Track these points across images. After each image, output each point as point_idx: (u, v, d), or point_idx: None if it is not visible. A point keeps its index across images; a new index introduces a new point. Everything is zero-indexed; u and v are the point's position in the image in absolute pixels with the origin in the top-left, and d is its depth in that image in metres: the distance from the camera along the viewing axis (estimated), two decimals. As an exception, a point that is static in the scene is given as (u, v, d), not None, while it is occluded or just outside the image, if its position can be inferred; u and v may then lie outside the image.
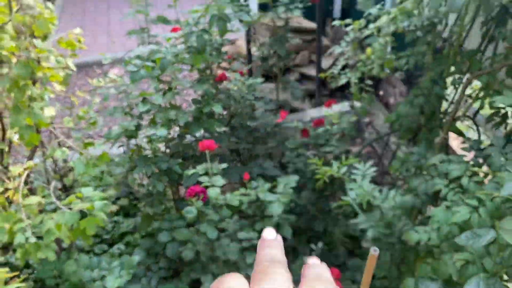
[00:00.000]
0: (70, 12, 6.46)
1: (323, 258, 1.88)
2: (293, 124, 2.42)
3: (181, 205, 2.41)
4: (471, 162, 1.44)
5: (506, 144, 1.36)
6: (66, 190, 2.22)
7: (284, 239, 2.15)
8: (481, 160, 1.58)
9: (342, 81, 2.09)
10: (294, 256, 2.37)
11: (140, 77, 1.83)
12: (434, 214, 1.34)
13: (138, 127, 2.14)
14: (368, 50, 2.02)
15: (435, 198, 1.70)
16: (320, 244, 2.21)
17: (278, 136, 2.94)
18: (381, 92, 4.23)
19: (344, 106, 3.36)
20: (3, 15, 1.55)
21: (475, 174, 1.34)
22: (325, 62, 3.98)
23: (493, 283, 0.97)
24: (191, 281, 2.16)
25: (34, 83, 1.78)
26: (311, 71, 3.86)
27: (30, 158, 2.06)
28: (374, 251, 0.76)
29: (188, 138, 2.53)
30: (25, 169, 1.84)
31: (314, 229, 2.42)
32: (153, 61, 1.89)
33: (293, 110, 3.76)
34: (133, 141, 2.31)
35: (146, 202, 2.32)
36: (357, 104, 2.63)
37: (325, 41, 4.04)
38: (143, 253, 2.24)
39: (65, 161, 2.18)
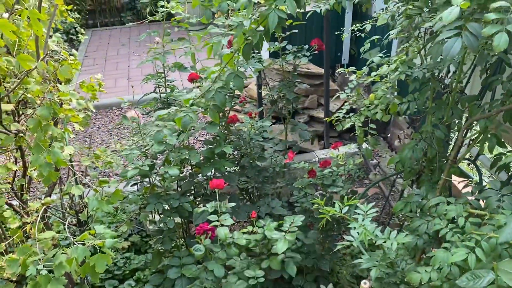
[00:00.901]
0: (93, 57, 6.79)
1: None
2: (300, 165, 2.50)
3: (191, 243, 2.47)
4: (469, 204, 1.49)
5: (502, 187, 1.41)
6: (81, 225, 2.30)
7: (290, 278, 2.19)
8: (481, 202, 1.63)
9: (347, 125, 2.18)
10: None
11: (162, 136, 1.94)
12: (434, 254, 1.38)
13: (152, 166, 2.24)
14: (371, 96, 2.12)
15: (438, 238, 1.73)
16: (330, 286, 2.22)
17: (286, 176, 3.02)
18: (388, 135, 4.31)
19: (351, 148, 3.44)
20: (30, 61, 1.69)
21: (472, 215, 1.39)
22: (333, 105, 4.10)
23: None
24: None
25: (55, 123, 1.90)
26: (320, 114, 3.98)
27: (48, 194, 2.17)
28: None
29: (199, 177, 2.62)
30: (42, 204, 1.94)
31: (321, 268, 2.44)
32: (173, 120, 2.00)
33: (301, 152, 3.85)
34: (146, 179, 2.41)
35: (157, 239, 2.38)
36: (364, 146, 2.72)
37: (333, 85, 4.18)
38: (153, 290, 2.28)
39: (81, 197, 2.27)
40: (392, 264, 1.75)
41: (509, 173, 1.88)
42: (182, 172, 2.56)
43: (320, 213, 2.05)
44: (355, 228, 1.56)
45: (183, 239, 2.54)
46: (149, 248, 3.02)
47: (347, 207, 1.59)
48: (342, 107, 2.41)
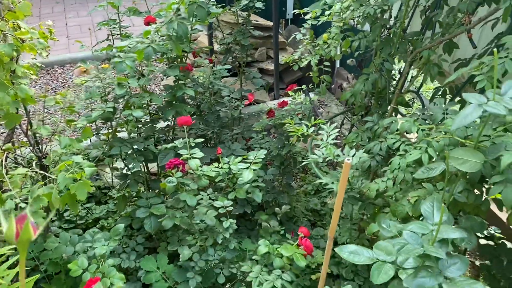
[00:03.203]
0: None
1: (289, 229, 2.11)
2: (258, 108, 2.62)
3: (155, 186, 2.53)
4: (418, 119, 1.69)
5: (446, 102, 1.62)
6: (45, 171, 2.28)
7: (252, 214, 2.35)
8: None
9: (304, 63, 2.31)
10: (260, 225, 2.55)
11: (124, 68, 1.94)
12: (391, 162, 1.57)
13: (115, 110, 2.25)
14: (325, 35, 2.26)
15: (389, 159, 1.94)
16: (284, 207, 2.40)
17: (242, 124, 3.13)
18: (332, 86, 4.54)
19: (300, 98, 3.61)
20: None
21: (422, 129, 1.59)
22: (282, 57, 4.23)
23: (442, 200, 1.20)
24: (169, 255, 2.28)
25: (16, 62, 1.86)
26: (269, 66, 4.09)
27: (8, 140, 2.12)
28: (348, 160, 0.96)
29: (159, 125, 2.67)
30: (3, 150, 1.90)
31: (280, 202, 2.62)
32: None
33: (254, 103, 3.97)
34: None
35: (122, 183, 2.42)
36: (312, 95, 2.89)
37: (281, 38, 4.29)
38: (123, 231, 2.33)
39: (37, 143, 2.23)
40: (350, 182, 1.94)
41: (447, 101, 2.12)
42: (142, 120, 2.59)
43: (279, 153, 2.20)
44: (319, 146, 1.71)
45: (146, 183, 2.58)
46: (109, 199, 3.03)
47: (312, 128, 1.74)
48: (296, 50, 2.53)
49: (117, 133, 2.39)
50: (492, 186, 1.19)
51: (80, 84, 2.17)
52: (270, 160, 2.66)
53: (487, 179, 1.35)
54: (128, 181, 2.41)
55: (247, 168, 2.05)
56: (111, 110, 2.14)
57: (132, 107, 2.26)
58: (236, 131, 3.01)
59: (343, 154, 1.79)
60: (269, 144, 2.60)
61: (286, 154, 2.61)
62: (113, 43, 2.61)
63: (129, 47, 1.89)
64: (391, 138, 1.65)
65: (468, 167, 1.17)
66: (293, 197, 2.97)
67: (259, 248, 1.86)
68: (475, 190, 1.41)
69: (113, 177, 2.83)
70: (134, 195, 2.72)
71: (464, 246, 1.28)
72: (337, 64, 4.67)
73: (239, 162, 2.11)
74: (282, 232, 2.32)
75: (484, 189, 1.43)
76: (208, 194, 2.22)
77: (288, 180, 2.73)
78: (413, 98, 2.67)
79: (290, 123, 1.79)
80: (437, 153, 1.37)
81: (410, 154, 1.44)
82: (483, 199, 1.42)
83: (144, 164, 2.52)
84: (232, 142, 2.79)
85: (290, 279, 1.82)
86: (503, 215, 2.76)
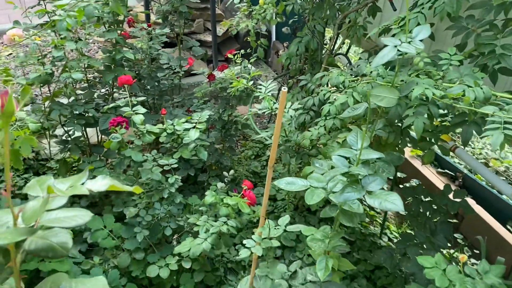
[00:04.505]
0: None
1: (232, 185, 2.23)
2: (199, 72, 2.69)
3: (97, 150, 2.54)
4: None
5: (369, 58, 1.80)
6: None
7: (196, 176, 2.45)
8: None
9: (241, 26, 2.41)
10: (207, 185, 2.66)
11: (65, 26, 1.92)
12: (322, 109, 1.73)
13: (52, 73, 2.22)
14: (261, 0, 2.37)
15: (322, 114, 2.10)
16: (231, 172, 2.52)
17: (183, 92, 3.19)
18: (269, 59, 4.69)
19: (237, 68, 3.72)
20: None
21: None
22: (219, 30, 4.29)
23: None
24: (115, 218, 2.32)
25: None
26: (207, 38, 4.15)
27: None
28: (284, 89, 1.09)
29: (99, 87, 2.66)
30: None
31: (223, 164, 2.73)
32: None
33: (192, 74, 4.02)
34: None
35: (62, 148, 2.40)
36: (249, 66, 3.01)
37: (217, 10, 4.34)
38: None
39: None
40: (287, 135, 2.10)
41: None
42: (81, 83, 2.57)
43: (220, 116, 2.30)
44: (258, 98, 1.83)
45: (88, 148, 2.58)
46: (47, 170, 2.98)
47: (252, 81, 1.86)
48: (230, 28, 2.63)
49: (55, 100, 2.36)
50: (405, 120, 1.38)
51: (9, 54, 2.12)
52: (211, 124, 2.75)
53: (403, 121, 1.55)
54: (69, 146, 2.40)
55: (193, 127, 2.13)
56: (49, 71, 2.12)
57: (70, 70, 2.24)
58: (177, 99, 3.06)
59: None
60: (211, 109, 2.69)
61: (227, 118, 2.72)
62: (45, 7, 2.54)
63: (69, 5, 1.88)
64: (322, 91, 1.82)
65: (386, 103, 1.35)
66: (235, 161, 3.10)
67: (206, 197, 1.96)
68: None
69: (52, 149, 2.77)
70: (75, 163, 2.71)
71: (385, 176, 1.47)
72: (273, 38, 4.82)
73: (183, 122, 2.18)
74: (227, 191, 2.44)
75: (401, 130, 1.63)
76: (153, 155, 2.28)
77: (230, 144, 2.84)
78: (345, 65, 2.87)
79: (231, 75, 1.89)
80: (361, 96, 1.55)
81: (338, 98, 1.60)
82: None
83: (84, 130, 2.51)
84: (174, 108, 2.84)
85: (235, 225, 1.95)
86: (425, 171, 3.08)
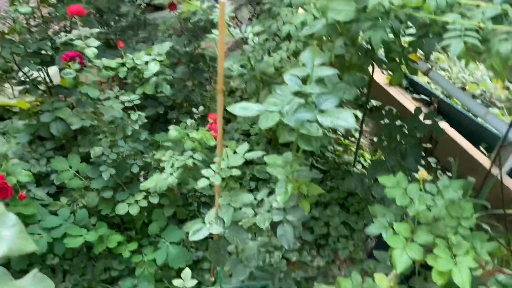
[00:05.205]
0: None
1: (203, 122, 2.11)
2: (164, 14, 2.53)
3: (59, 91, 2.43)
4: None
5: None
6: None
7: (165, 114, 2.37)
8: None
9: None
10: (177, 123, 2.60)
11: None
12: (282, 30, 1.63)
13: None
14: None
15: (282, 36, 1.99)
16: (201, 108, 2.44)
17: (149, 27, 3.02)
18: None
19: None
20: None
21: None
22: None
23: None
24: (81, 159, 2.26)
25: None
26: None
27: None
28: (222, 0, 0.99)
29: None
30: None
31: (193, 100, 2.65)
32: None
33: (158, 9, 3.82)
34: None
35: (22, 89, 2.29)
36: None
37: None
38: (27, 137, 2.26)
39: None
40: (251, 64, 2.00)
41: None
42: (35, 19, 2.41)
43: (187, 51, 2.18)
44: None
45: (48, 89, 2.47)
46: (14, 115, 2.87)
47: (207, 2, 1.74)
48: None
49: (5, 37, 2.21)
50: (364, 33, 1.29)
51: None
52: (178, 59, 2.63)
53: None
54: (27, 87, 2.29)
55: (153, 60, 2.02)
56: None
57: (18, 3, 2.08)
58: (142, 35, 2.90)
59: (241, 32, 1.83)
60: (175, 42, 2.56)
61: (194, 51, 2.60)
62: None
63: None
64: (284, 11, 1.70)
65: (343, 16, 1.25)
66: (206, 98, 3.01)
67: (170, 132, 1.90)
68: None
69: (16, 93, 2.65)
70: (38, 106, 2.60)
71: (346, 97, 1.41)
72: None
73: (143, 55, 2.07)
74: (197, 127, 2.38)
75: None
76: (115, 92, 2.19)
77: (200, 79, 2.74)
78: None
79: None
80: (320, 12, 1.44)
81: (296, 17, 1.50)
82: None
83: (43, 69, 2.38)
84: (137, 43, 2.70)
85: (201, 158, 1.90)
86: (401, 98, 3.03)
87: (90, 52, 1.81)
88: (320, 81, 1.18)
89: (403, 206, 1.29)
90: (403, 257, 1.21)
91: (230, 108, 1.26)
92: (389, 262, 1.59)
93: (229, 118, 2.94)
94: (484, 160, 2.51)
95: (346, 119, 1.06)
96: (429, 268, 1.23)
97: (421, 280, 1.41)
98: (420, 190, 1.30)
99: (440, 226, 1.27)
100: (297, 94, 1.16)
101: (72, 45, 2.10)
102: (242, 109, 1.26)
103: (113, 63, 1.95)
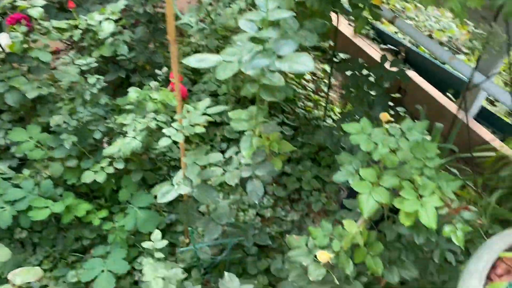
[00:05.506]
0: None
1: (167, 84, 2.02)
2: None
3: (10, 59, 2.30)
4: None
5: None
6: None
7: (128, 77, 2.26)
8: None
9: None
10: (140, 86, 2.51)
11: None
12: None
13: None
14: None
15: None
16: (165, 69, 2.36)
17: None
18: None
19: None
20: None
21: None
22: None
23: None
24: (42, 129, 2.17)
25: None
26: None
27: None
28: None
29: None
30: None
31: (156, 61, 2.55)
32: None
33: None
34: None
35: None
36: None
37: None
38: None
39: None
40: (212, 20, 1.92)
41: None
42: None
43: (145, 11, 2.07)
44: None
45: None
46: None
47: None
48: None
49: None
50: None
51: None
52: (136, 19, 2.51)
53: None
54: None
55: (106, 19, 1.92)
56: None
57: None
58: (97, -4, 2.75)
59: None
60: (132, 1, 2.43)
61: (153, 10, 2.48)
62: None
63: None
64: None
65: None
66: (169, 59, 2.90)
67: (130, 94, 1.83)
68: None
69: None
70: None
71: (307, 44, 1.36)
72: None
73: (96, 15, 1.96)
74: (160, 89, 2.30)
75: None
76: (70, 56, 2.08)
77: (161, 39, 2.63)
78: None
79: None
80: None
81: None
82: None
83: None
84: (91, 5, 2.56)
85: (165, 119, 1.85)
86: (369, 49, 2.99)
87: (36, 12, 1.70)
88: (276, 24, 1.13)
89: (368, 151, 1.28)
90: (369, 201, 1.20)
91: (185, 61, 1.20)
92: (359, 210, 1.60)
93: (195, 79, 2.86)
94: (451, 106, 2.53)
95: (305, 63, 1.02)
96: (398, 212, 1.23)
97: (390, 224, 1.42)
98: (384, 134, 1.29)
99: (406, 169, 1.27)
100: (254, 40, 1.10)
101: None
102: (198, 61, 1.20)
103: (63, 24, 1.84)
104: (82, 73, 1.98)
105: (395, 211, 1.31)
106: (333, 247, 1.32)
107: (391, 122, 1.36)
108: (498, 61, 2.04)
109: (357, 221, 1.37)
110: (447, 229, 1.23)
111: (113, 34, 2.03)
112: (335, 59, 3.11)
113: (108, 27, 1.86)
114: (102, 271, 1.79)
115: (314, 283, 1.43)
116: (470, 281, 1.20)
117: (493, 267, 1.26)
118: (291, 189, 2.31)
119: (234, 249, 1.97)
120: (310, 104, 2.82)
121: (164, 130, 1.39)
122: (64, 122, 1.92)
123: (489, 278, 1.22)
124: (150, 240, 1.55)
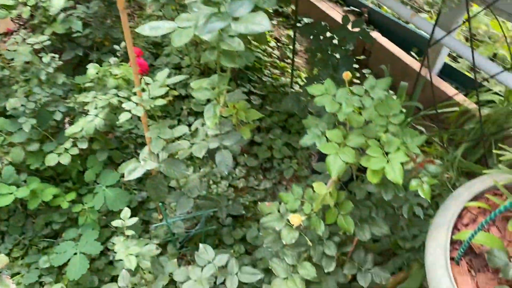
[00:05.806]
0: None
1: (128, 59, 1.89)
2: None
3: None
4: None
5: None
6: None
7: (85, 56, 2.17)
8: None
9: None
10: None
11: None
12: None
13: None
14: None
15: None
16: (123, 44, 2.27)
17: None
18: None
19: None
20: None
21: None
22: None
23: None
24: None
25: None
26: None
27: None
28: None
29: None
30: None
31: (114, 36, 2.46)
32: None
33: None
34: None
35: None
36: None
37: None
38: None
39: None
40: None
41: None
42: None
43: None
44: None
45: None
46: None
47: None
48: None
49: None
50: None
51: None
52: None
53: None
54: None
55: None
56: None
57: None
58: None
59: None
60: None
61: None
62: None
63: None
64: None
65: None
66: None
67: (89, 71, 1.76)
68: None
69: None
70: None
71: (265, 6, 1.32)
72: None
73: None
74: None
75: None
76: (21, 35, 1.97)
77: (118, 13, 2.52)
78: None
79: None
80: None
81: None
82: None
83: None
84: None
85: (127, 95, 1.79)
86: (333, 12, 2.96)
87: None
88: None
89: (334, 112, 1.27)
90: (336, 161, 1.20)
91: (139, 29, 1.14)
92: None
93: (157, 53, 2.78)
94: (416, 64, 2.55)
95: (260, 22, 0.99)
96: (366, 171, 1.24)
97: (359, 183, 1.43)
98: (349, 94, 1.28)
99: (371, 128, 1.27)
100: (208, 3, 1.06)
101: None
102: (152, 28, 1.14)
103: (9, 0, 1.73)
104: (37, 53, 1.88)
105: (363, 170, 1.32)
106: (304, 210, 1.33)
107: (356, 83, 1.35)
108: (458, 15, 2.05)
109: (327, 183, 1.38)
110: (413, 183, 1.25)
111: (64, 10, 1.93)
112: (298, 24, 3.07)
113: (58, 2, 1.76)
114: (75, 254, 1.76)
115: (289, 247, 1.44)
116: (438, 232, 1.23)
117: (460, 217, 1.29)
118: (262, 158, 2.30)
119: (208, 221, 1.96)
120: (276, 71, 2.79)
121: (123, 105, 1.34)
122: (22, 105, 1.84)
123: (456, 228, 1.26)
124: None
